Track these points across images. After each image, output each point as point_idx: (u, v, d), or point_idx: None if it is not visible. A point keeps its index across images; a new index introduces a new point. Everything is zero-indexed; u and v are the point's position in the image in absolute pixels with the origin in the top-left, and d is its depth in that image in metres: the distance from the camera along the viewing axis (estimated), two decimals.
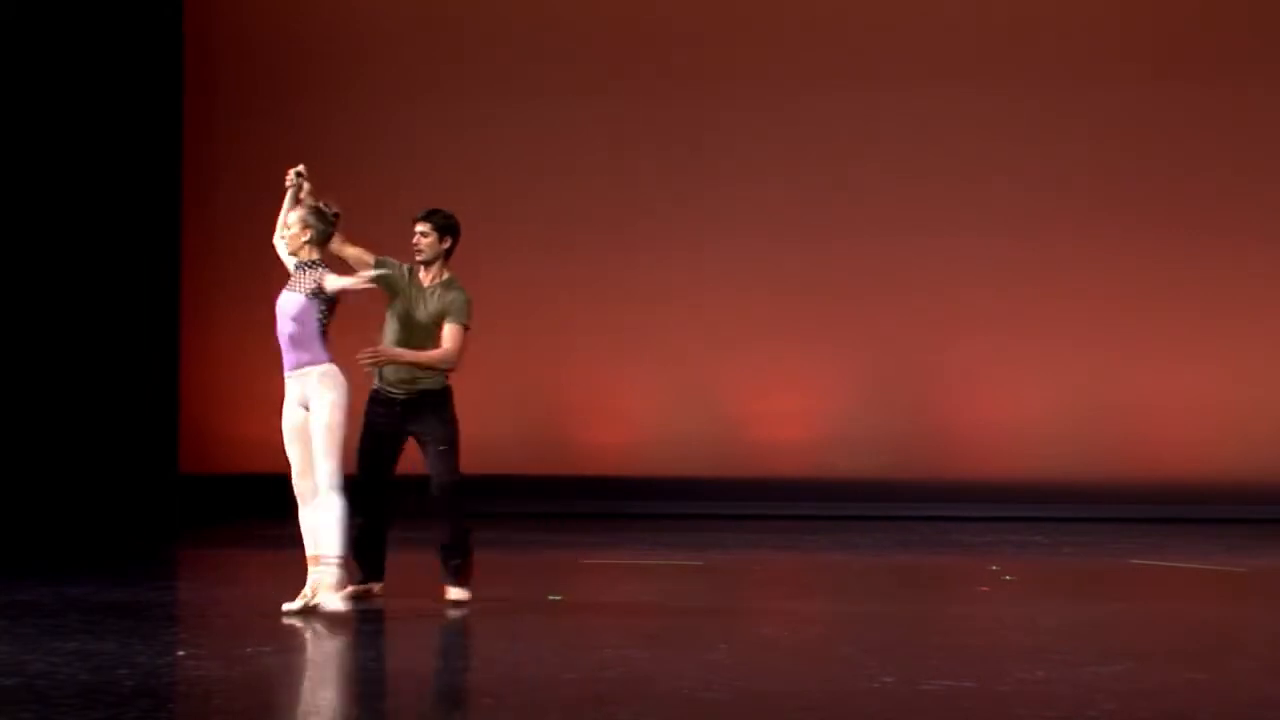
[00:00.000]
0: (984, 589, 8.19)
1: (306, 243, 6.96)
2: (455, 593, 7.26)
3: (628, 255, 13.23)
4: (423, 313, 7.25)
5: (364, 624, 6.82)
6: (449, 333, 7.21)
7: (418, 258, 7.30)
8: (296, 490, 6.93)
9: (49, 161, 12.23)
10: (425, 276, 7.32)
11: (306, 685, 5.61)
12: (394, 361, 7.10)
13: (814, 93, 13.18)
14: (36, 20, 12.16)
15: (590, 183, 13.31)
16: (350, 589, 7.01)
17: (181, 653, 5.99)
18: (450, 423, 7.34)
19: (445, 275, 7.35)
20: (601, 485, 12.86)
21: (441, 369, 7.23)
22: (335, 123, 13.24)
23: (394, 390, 7.25)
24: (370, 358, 7.02)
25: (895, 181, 13.14)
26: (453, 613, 7.08)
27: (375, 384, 7.32)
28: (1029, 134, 13.10)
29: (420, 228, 7.33)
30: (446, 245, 7.35)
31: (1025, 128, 13.10)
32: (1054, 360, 12.95)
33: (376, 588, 7.35)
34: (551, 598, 7.62)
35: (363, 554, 7.29)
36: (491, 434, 13.02)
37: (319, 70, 13.43)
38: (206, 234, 13.21)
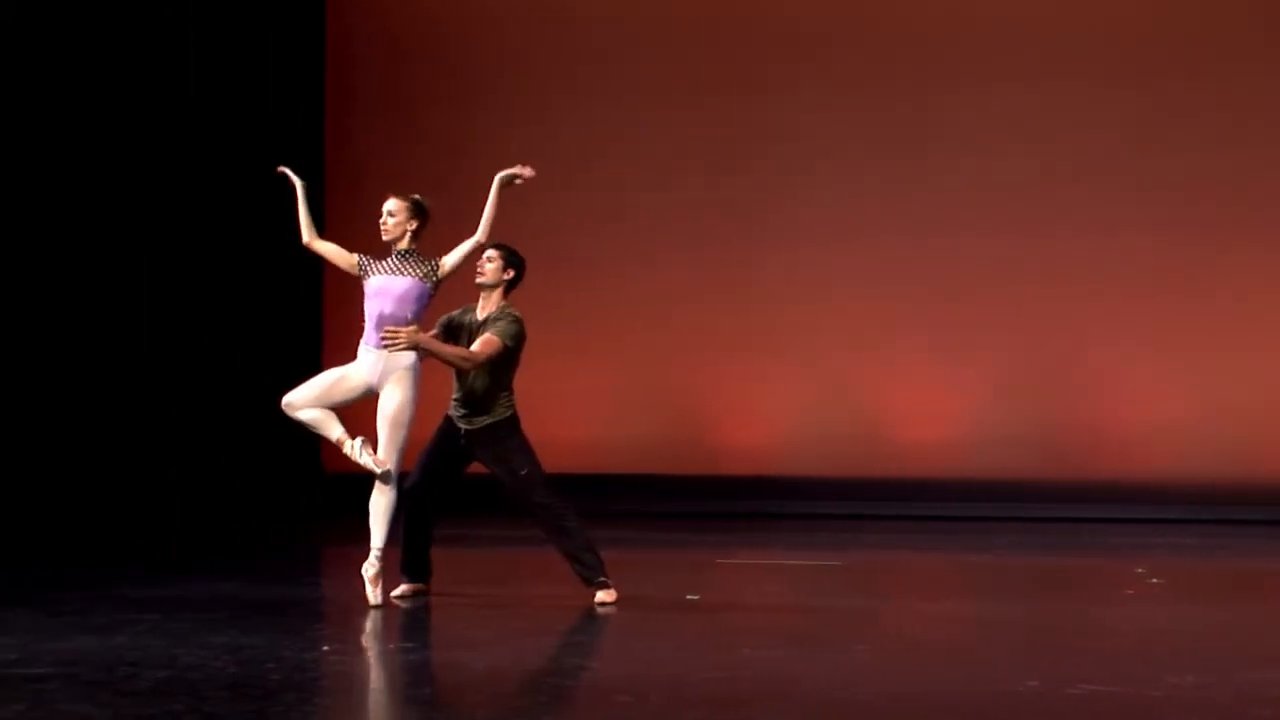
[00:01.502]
0: (1130, 591, 8.02)
1: (413, 231, 7.12)
2: (601, 595, 7.26)
3: (767, 255, 13.21)
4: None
5: (505, 622, 6.88)
6: (483, 339, 7.16)
7: (478, 280, 7.29)
8: (288, 400, 7.00)
9: (195, 163, 12.55)
10: (482, 309, 7.31)
11: (445, 682, 5.67)
12: (418, 346, 7.04)
13: (952, 92, 13.05)
14: (184, 24, 12.46)
15: (726, 182, 13.30)
16: (402, 589, 7.31)
17: (326, 648, 6.08)
18: (519, 450, 7.30)
19: (504, 305, 7.31)
20: (739, 485, 12.86)
21: (462, 367, 7.16)
22: (474, 123, 13.39)
23: (458, 423, 7.31)
24: (392, 338, 6.98)
25: (1036, 180, 12.97)
26: (602, 611, 7.10)
27: (449, 408, 7.37)
28: (1162, 134, 12.84)
29: (489, 253, 7.30)
30: (509, 276, 7.31)
31: (1155, 128, 12.84)
32: (1202, 360, 12.66)
33: (419, 587, 7.44)
34: (689, 597, 7.61)
35: (406, 554, 7.40)
36: (631, 434, 13.14)
37: (459, 72, 13.59)
38: (348, 235, 13.39)
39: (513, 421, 7.34)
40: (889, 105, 13.13)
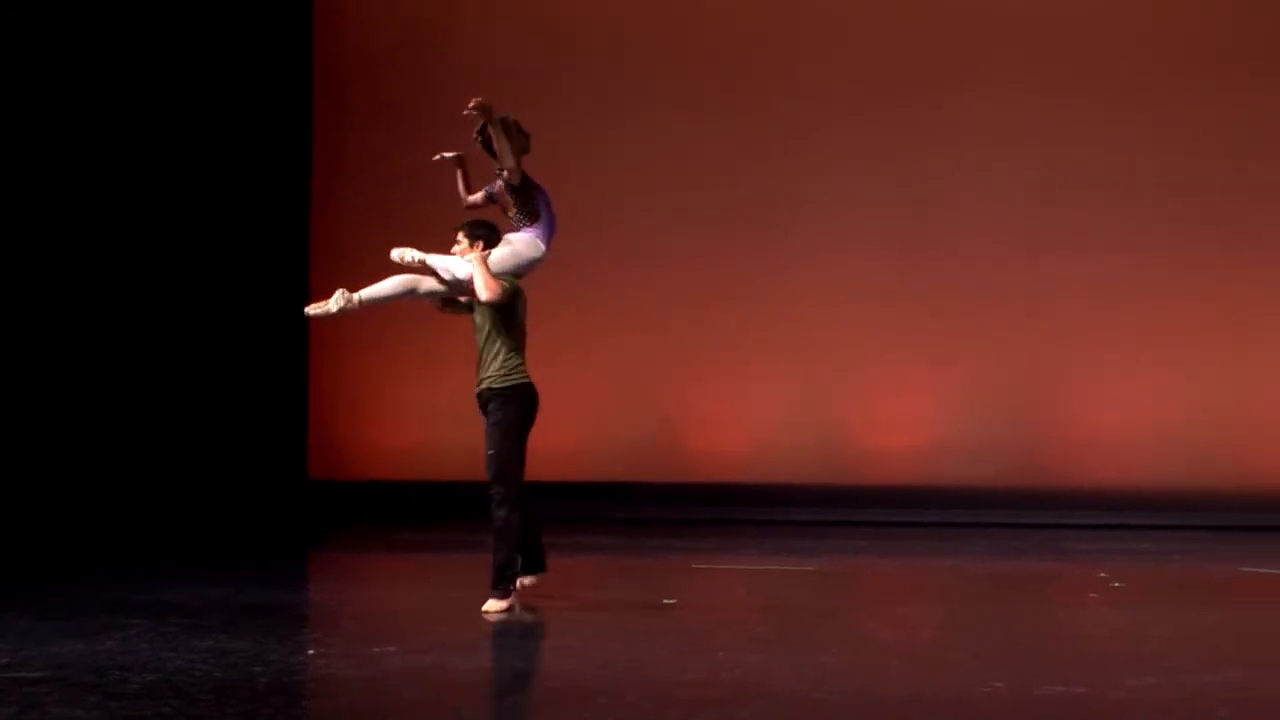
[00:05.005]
0: (1093, 596, 8.16)
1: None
2: (487, 604, 7.17)
3: (743, 268, 13.31)
4: (479, 315, 7.40)
5: (488, 625, 6.96)
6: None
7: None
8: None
9: (180, 170, 12.56)
10: None
11: (429, 686, 5.76)
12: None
13: (936, 109, 13.15)
14: (170, 30, 12.48)
15: (709, 199, 13.38)
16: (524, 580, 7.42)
17: (312, 652, 6.16)
18: (502, 424, 7.24)
19: None
20: (715, 492, 12.96)
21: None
22: (464, 130, 13.45)
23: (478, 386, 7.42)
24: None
25: (1005, 195, 13.10)
26: (487, 618, 7.06)
27: None
28: (1135, 147, 12.98)
29: (458, 237, 7.54)
30: (480, 249, 7.48)
31: (1130, 140, 12.97)
32: (1160, 368, 12.82)
33: (527, 580, 7.50)
34: (666, 601, 7.72)
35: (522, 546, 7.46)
36: (609, 442, 13.21)
37: (455, 77, 13.59)
38: (334, 241, 13.44)
39: (511, 391, 7.30)
40: (871, 124, 13.23)
